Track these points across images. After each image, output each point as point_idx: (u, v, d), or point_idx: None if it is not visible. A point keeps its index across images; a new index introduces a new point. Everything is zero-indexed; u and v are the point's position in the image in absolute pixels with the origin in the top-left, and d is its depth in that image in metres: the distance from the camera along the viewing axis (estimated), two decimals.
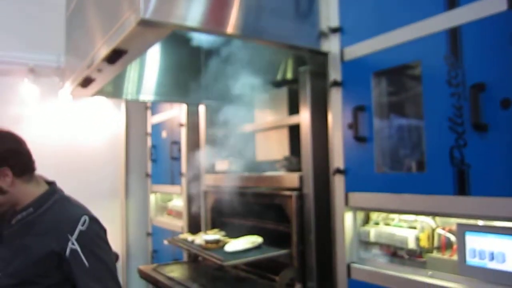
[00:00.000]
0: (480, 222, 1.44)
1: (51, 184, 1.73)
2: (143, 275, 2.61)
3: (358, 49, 1.80)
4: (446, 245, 1.59)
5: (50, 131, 3.94)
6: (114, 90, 2.86)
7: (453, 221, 1.56)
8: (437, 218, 1.64)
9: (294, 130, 2.30)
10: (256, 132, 2.70)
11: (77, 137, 4.07)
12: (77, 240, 1.54)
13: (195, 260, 2.78)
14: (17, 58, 3.94)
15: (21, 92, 3.96)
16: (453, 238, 1.56)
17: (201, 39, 2.27)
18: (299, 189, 2.06)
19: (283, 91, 2.48)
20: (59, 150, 3.88)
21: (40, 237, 1.57)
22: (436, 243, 1.63)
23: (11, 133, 1.66)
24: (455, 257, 1.52)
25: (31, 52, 3.99)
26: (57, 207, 1.65)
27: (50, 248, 1.54)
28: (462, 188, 1.42)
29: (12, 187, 1.58)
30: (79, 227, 1.55)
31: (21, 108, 3.91)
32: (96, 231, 1.62)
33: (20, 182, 1.61)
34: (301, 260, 2.05)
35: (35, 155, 1.75)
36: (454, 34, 1.45)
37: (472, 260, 1.43)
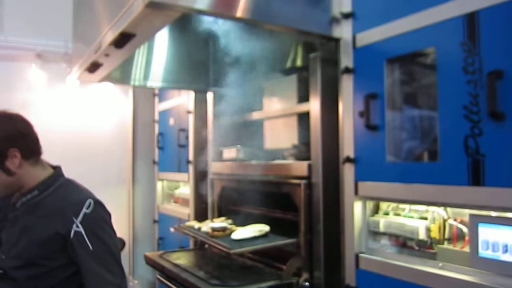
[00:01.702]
0: (493, 214, 1.40)
1: (56, 168, 1.72)
2: (150, 262, 2.61)
3: (371, 35, 1.75)
4: (458, 237, 1.56)
5: (57, 117, 3.93)
6: (122, 76, 2.83)
7: (465, 212, 1.52)
8: (449, 209, 1.61)
9: (303, 118, 2.27)
10: (264, 120, 2.67)
11: (84, 123, 4.06)
12: (81, 222, 1.53)
13: (201, 248, 2.77)
14: (25, 44, 3.93)
15: (28, 78, 3.95)
16: (465, 229, 1.53)
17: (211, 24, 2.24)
18: (308, 178, 2.03)
19: (293, 79, 2.44)
20: (67, 136, 3.87)
21: (44, 219, 1.57)
22: (447, 234, 1.60)
23: (20, 116, 1.65)
24: (466, 249, 1.49)
25: (39, 37, 3.97)
26: (62, 190, 1.64)
27: (54, 230, 1.54)
28: (476, 178, 1.38)
29: (19, 169, 1.57)
30: (84, 210, 1.55)
31: (28, 94, 3.91)
32: (100, 214, 1.61)
33: (27, 165, 1.60)
34: (309, 250, 2.03)
35: (43, 141, 1.73)
36: (471, 19, 1.40)
37: (484, 252, 1.40)
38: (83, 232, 1.52)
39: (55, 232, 1.54)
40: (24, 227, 1.60)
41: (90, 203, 1.57)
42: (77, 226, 1.53)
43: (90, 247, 1.52)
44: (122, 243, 3.29)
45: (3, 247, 1.65)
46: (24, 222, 1.61)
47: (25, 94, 3.87)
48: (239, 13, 1.68)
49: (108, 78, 2.74)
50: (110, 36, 1.89)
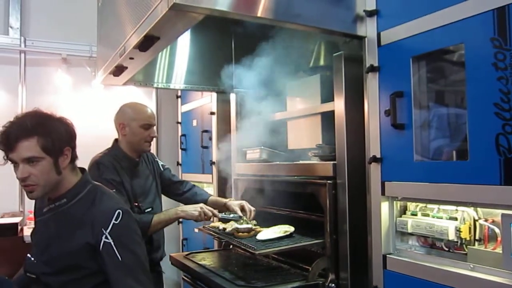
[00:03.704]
0: None
1: (84, 172, 1.72)
2: (175, 262, 2.63)
3: (396, 33, 1.72)
4: (489, 237, 1.52)
5: (83, 120, 3.98)
6: (145, 78, 2.87)
7: (497, 212, 1.48)
8: (479, 209, 1.57)
9: (327, 118, 2.25)
10: (287, 120, 2.66)
11: (109, 126, 4.11)
12: (110, 233, 1.53)
13: (226, 249, 2.78)
14: (51, 49, 4.02)
15: (55, 82, 4.04)
16: (497, 230, 1.48)
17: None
18: (333, 178, 2.01)
19: (316, 78, 2.42)
20: (92, 139, 3.91)
21: (74, 229, 1.57)
22: (478, 235, 1.56)
23: None
24: (499, 250, 1.45)
25: (64, 42, 4.06)
26: (90, 198, 1.64)
27: (85, 240, 1.54)
28: (508, 177, 1.34)
29: (64, 170, 1.59)
30: (113, 221, 1.55)
31: (55, 97, 3.99)
32: (129, 224, 1.61)
33: (68, 169, 1.61)
34: (335, 250, 2.01)
35: None
36: (501, 13, 1.36)
37: None
38: (112, 243, 1.52)
39: (85, 243, 1.54)
40: (54, 234, 1.61)
41: (119, 214, 1.57)
42: (107, 237, 1.52)
43: (119, 258, 1.52)
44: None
45: (33, 250, 1.68)
46: (54, 229, 1.62)
47: (52, 97, 3.96)
48: (261, 13, 1.68)
49: (131, 80, 2.77)
50: (134, 39, 1.91)
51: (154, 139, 4.36)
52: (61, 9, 4.13)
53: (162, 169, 2.66)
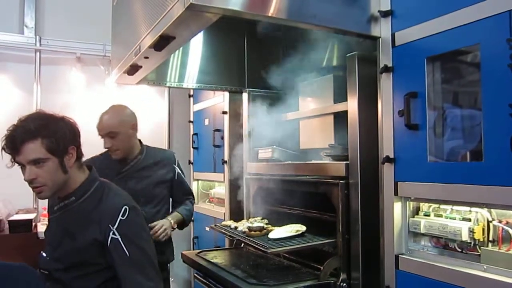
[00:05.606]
0: None
1: (91, 169, 1.74)
2: (187, 260, 2.64)
3: (411, 33, 1.72)
4: (503, 239, 1.51)
5: (96, 118, 4.02)
6: (157, 77, 2.90)
7: (511, 214, 1.48)
8: (493, 210, 1.56)
9: (340, 118, 2.25)
10: (300, 120, 2.67)
11: None
12: (117, 229, 1.55)
13: (237, 247, 2.79)
14: (66, 48, 4.07)
15: (69, 80, 4.08)
16: (511, 231, 1.48)
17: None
18: (346, 178, 2.01)
19: (329, 78, 2.42)
20: None
21: (83, 226, 1.60)
22: (491, 236, 1.56)
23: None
24: None
25: (79, 41, 4.10)
26: (97, 195, 1.66)
27: (93, 237, 1.57)
28: None
29: (70, 168, 1.61)
30: (120, 217, 1.57)
31: (69, 95, 4.04)
32: (136, 220, 1.63)
33: (74, 167, 1.63)
34: (347, 250, 2.01)
35: (83, 142, 1.77)
36: None
37: None
38: (119, 239, 1.55)
39: (93, 239, 1.57)
40: (64, 232, 1.63)
41: (125, 210, 1.59)
42: (114, 233, 1.55)
43: (127, 254, 1.54)
44: None
45: (46, 247, 1.71)
46: (64, 227, 1.64)
47: (66, 96, 4.00)
48: (273, 13, 1.69)
49: (145, 80, 2.80)
50: (149, 39, 1.93)
51: (167, 137, 4.45)
52: (75, 8, 4.17)
53: (175, 178, 2.61)
